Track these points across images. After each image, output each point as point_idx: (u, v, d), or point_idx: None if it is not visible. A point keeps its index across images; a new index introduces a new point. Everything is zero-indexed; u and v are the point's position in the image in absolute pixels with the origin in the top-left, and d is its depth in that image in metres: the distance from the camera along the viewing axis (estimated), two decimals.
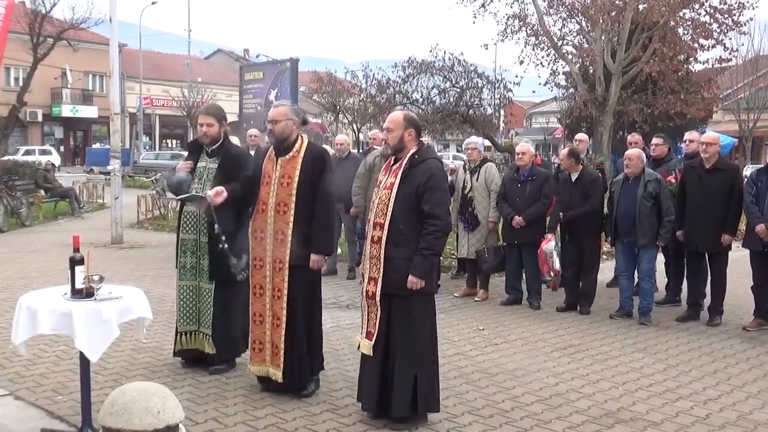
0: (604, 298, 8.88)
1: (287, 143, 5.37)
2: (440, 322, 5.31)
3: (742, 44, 30.16)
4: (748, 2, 20.09)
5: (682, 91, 21.90)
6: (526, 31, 21.77)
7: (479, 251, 8.77)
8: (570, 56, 22.29)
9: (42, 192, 18.61)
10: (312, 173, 5.29)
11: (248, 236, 5.48)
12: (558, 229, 8.63)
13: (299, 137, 5.43)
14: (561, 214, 8.35)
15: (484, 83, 25.54)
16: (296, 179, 5.28)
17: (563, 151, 8.93)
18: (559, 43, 21.82)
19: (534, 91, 27.60)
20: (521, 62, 22.33)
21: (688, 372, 6.23)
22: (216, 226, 5.53)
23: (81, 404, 4.64)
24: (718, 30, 20.58)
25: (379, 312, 4.81)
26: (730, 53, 22.40)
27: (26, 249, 12.77)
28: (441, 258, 9.47)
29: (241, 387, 5.57)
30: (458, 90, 24.95)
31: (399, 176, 4.80)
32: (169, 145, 54.09)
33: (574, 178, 8.40)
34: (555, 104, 36.49)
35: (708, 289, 8.12)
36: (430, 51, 24.69)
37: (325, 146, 8.59)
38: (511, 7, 21.98)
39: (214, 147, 5.88)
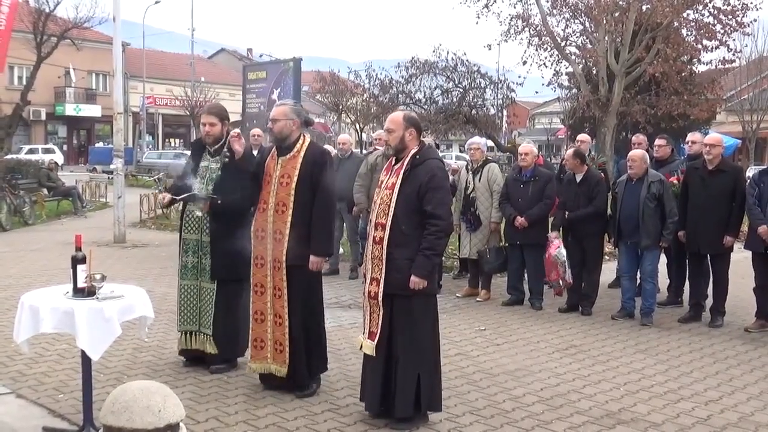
0: (605, 299, 8.88)
1: (287, 143, 5.37)
2: (442, 322, 5.31)
3: (746, 45, 30.20)
4: (751, 3, 20.07)
5: (685, 92, 21.90)
6: (530, 31, 21.79)
7: (481, 252, 8.77)
8: (573, 57, 22.30)
9: (45, 191, 18.64)
10: (311, 173, 5.27)
11: (250, 235, 5.48)
12: (560, 230, 8.61)
13: (302, 137, 5.42)
14: (566, 213, 8.32)
15: (487, 83, 25.57)
16: (295, 179, 5.28)
17: (568, 152, 8.92)
18: (563, 44, 21.83)
19: (537, 92, 27.63)
20: (524, 63, 22.35)
21: (690, 373, 6.22)
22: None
23: (82, 403, 4.65)
24: (722, 31, 20.57)
25: (381, 312, 4.81)
26: (733, 54, 22.40)
27: (29, 248, 12.79)
28: (443, 258, 9.50)
29: (242, 386, 5.58)
30: (461, 90, 24.97)
31: (400, 176, 4.81)
32: (173, 144, 54.13)
33: (578, 178, 8.39)
34: (558, 105, 36.51)
35: (710, 291, 8.11)
36: (434, 51, 24.74)
37: (327, 146, 8.61)
38: (515, 7, 21.99)
39: (216, 146, 5.88)
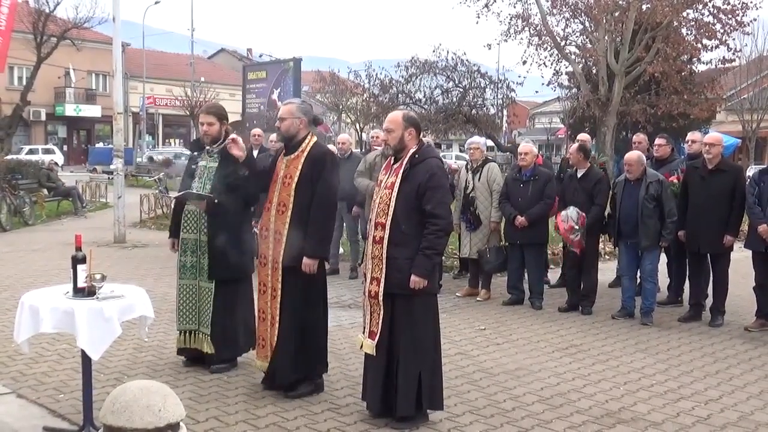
0: (606, 298, 8.88)
1: (294, 141, 5.37)
2: (442, 321, 5.30)
3: (746, 45, 30.17)
4: (751, 2, 20.08)
5: (685, 92, 21.91)
6: (530, 31, 21.80)
7: (481, 251, 8.77)
8: (573, 56, 22.31)
9: (45, 191, 18.64)
10: (311, 174, 5.24)
11: (248, 234, 5.50)
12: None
13: (309, 136, 5.40)
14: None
15: (487, 83, 25.57)
16: (296, 179, 5.27)
17: (573, 146, 8.91)
18: (563, 44, 21.84)
19: (537, 92, 27.67)
20: (524, 62, 22.36)
21: (690, 372, 6.22)
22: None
23: (83, 402, 4.65)
24: (722, 30, 20.57)
25: (381, 312, 4.81)
26: (733, 53, 22.40)
27: (29, 248, 12.80)
28: (443, 258, 9.49)
29: (242, 386, 5.58)
30: (461, 90, 24.96)
31: (400, 176, 4.80)
32: (172, 144, 54.10)
33: (579, 174, 8.40)
34: (558, 104, 36.52)
35: (710, 290, 8.11)
36: (433, 51, 24.75)
37: (330, 146, 8.60)
38: (515, 7, 22.01)
39: (214, 146, 5.88)
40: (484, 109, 26.18)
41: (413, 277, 4.68)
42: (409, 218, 4.75)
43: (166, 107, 52.97)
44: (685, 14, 20.55)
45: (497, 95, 27.19)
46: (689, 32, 21.30)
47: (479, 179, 8.83)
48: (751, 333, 7.54)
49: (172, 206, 6.92)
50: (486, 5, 22.07)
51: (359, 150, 26.39)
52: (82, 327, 4.28)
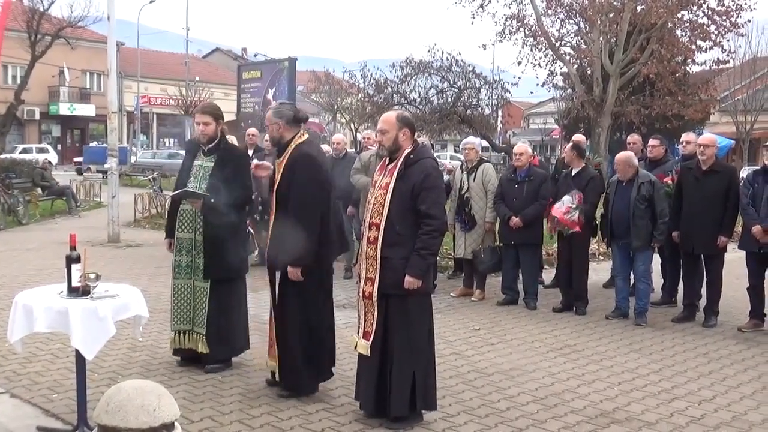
0: (600, 298, 8.90)
1: (282, 145, 5.37)
2: (436, 322, 5.31)
3: (740, 46, 30.23)
4: (746, 4, 20.13)
5: (679, 93, 21.95)
6: (524, 31, 21.83)
7: (476, 251, 8.77)
8: (568, 57, 22.34)
9: (39, 190, 18.60)
10: (290, 178, 5.18)
11: (248, 234, 5.52)
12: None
13: (297, 137, 5.35)
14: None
15: (482, 83, 25.57)
16: (277, 183, 5.28)
17: (568, 145, 8.94)
18: (557, 44, 21.87)
19: (532, 92, 27.68)
20: (519, 63, 22.38)
21: (684, 372, 6.24)
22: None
23: (77, 402, 4.64)
24: (716, 32, 20.62)
25: (376, 312, 4.81)
26: (727, 55, 22.45)
27: (23, 247, 12.76)
28: (438, 258, 9.50)
29: (237, 386, 5.57)
30: (456, 90, 24.96)
31: (395, 176, 4.80)
32: (166, 144, 54.01)
33: (573, 173, 8.42)
34: (553, 105, 36.56)
35: (704, 290, 8.13)
36: (428, 51, 24.73)
37: (324, 146, 8.59)
38: (510, 8, 22.03)
39: (210, 145, 5.88)
40: (479, 109, 26.17)
41: (408, 278, 4.68)
42: (404, 219, 4.75)
43: (161, 106, 52.86)
44: (679, 15, 20.61)
45: (492, 96, 27.19)
46: (683, 33, 21.36)
47: (474, 179, 8.83)
48: (744, 333, 7.56)
49: (167, 206, 6.91)
50: (481, 6, 22.10)
51: (353, 150, 26.38)
52: (76, 326, 4.28)
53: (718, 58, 22.27)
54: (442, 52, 24.94)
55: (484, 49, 23.13)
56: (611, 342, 7.19)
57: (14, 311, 4.46)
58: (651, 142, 9.03)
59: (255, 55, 57.13)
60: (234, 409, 5.10)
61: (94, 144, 45.56)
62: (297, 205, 5.12)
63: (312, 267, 5.15)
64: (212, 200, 5.63)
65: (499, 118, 31.54)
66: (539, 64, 22.49)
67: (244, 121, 20.13)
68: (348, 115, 45.04)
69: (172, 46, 65.39)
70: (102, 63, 18.41)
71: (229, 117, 11.29)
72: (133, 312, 4.68)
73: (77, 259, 4.51)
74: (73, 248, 4.56)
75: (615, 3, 20.34)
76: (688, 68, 24.12)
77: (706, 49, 21.36)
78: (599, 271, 10.04)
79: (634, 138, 9.61)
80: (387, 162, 4.97)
